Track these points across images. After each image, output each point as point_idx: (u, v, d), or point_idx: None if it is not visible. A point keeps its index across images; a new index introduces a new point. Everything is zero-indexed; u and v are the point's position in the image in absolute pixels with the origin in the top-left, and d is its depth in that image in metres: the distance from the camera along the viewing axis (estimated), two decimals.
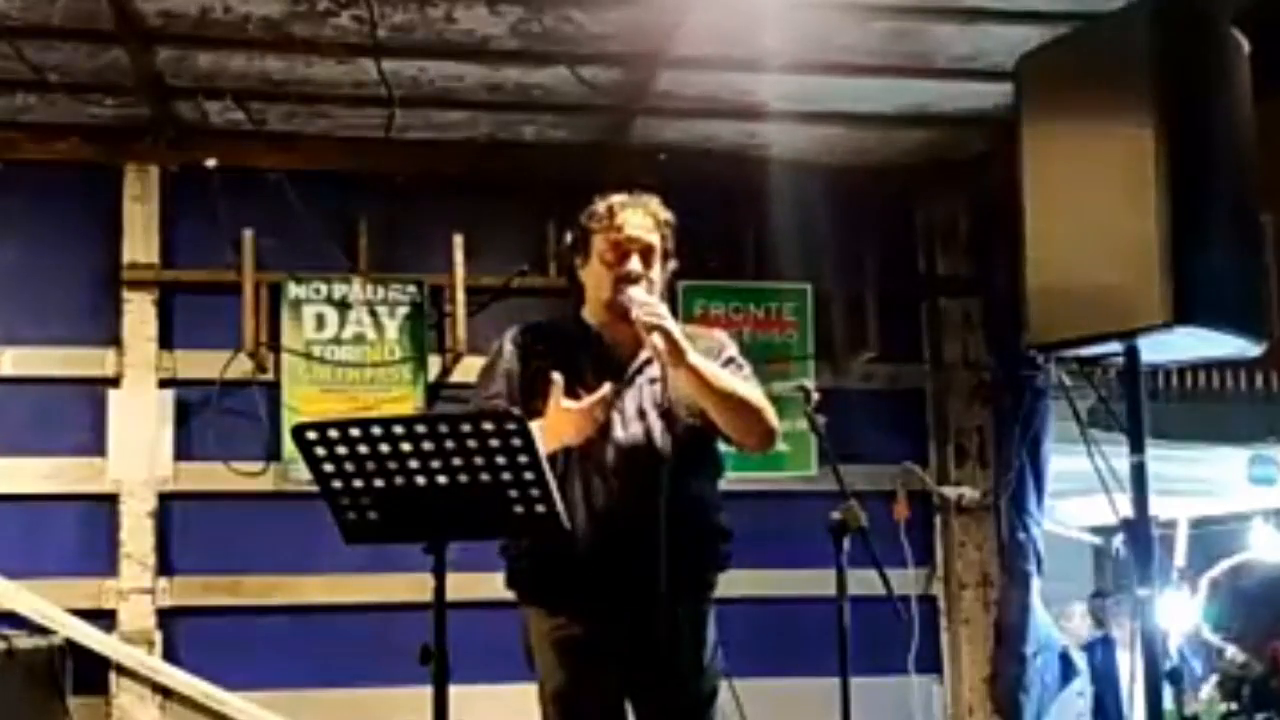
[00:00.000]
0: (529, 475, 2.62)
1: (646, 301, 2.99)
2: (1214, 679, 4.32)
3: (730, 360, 3.15)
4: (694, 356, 2.95)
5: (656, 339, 2.93)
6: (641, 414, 3.08)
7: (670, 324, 2.95)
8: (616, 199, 3.17)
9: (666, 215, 3.19)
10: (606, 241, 3.12)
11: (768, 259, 5.61)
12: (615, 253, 3.10)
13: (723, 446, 3.24)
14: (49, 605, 4.91)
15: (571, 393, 2.98)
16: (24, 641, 4.74)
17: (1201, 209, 3.02)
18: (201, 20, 4.38)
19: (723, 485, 3.23)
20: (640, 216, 3.14)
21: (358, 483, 2.63)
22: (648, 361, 3.10)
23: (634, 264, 3.08)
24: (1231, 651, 4.12)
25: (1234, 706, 4.10)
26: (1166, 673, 3.08)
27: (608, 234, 3.12)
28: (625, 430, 3.05)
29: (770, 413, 3.06)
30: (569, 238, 3.25)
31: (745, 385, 3.07)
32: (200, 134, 5.24)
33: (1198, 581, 4.32)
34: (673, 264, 3.22)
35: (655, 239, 3.14)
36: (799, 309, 5.70)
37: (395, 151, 5.39)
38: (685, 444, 3.07)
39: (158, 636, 5.08)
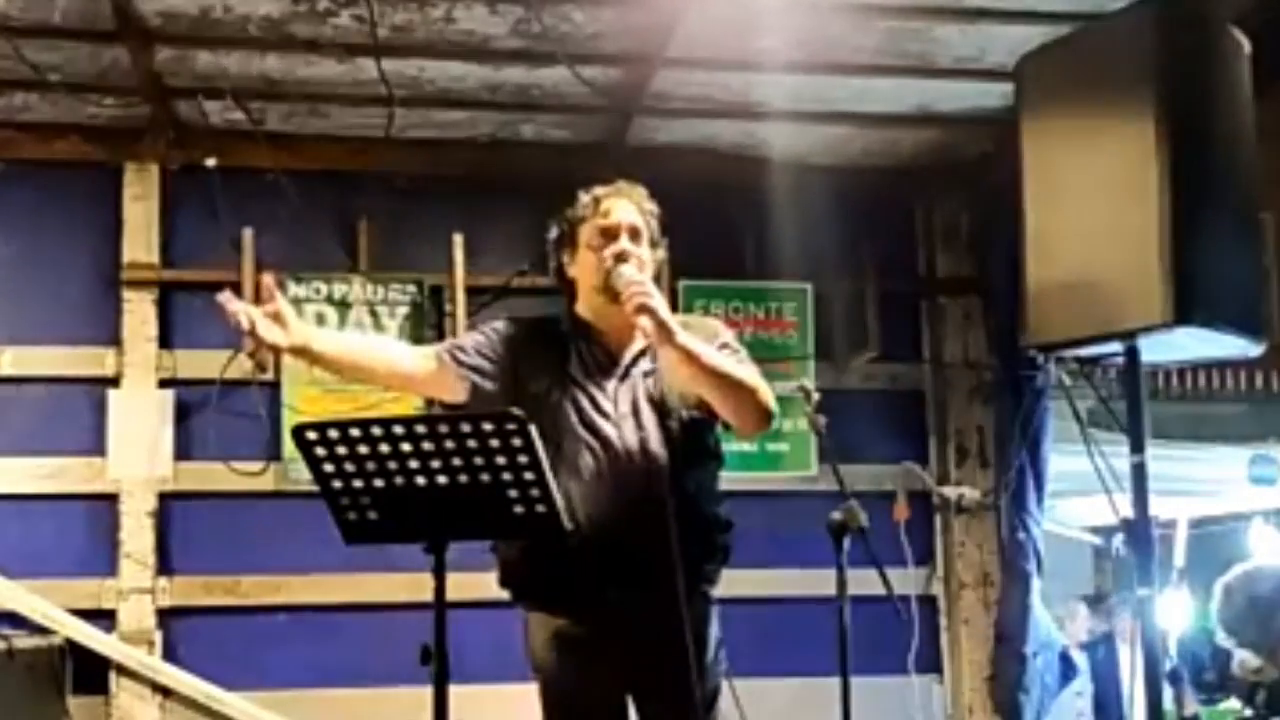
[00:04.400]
0: (529, 475, 2.61)
1: (635, 280, 2.96)
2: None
3: (725, 345, 3.12)
4: (682, 336, 2.92)
5: (644, 320, 2.92)
6: (635, 408, 3.06)
7: (657, 303, 2.92)
8: (600, 190, 3.17)
9: (650, 205, 3.19)
10: (594, 229, 3.12)
11: (768, 259, 5.61)
12: (603, 237, 3.10)
13: (722, 446, 3.23)
14: (49, 605, 4.92)
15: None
16: (24, 641, 4.76)
17: (1202, 209, 3.02)
18: (201, 20, 4.39)
19: (723, 485, 3.21)
20: (625, 203, 3.14)
21: (358, 483, 2.63)
22: (641, 354, 3.09)
23: (624, 242, 3.08)
24: (1245, 656, 4.11)
25: (1248, 712, 4.10)
26: (1166, 673, 3.08)
27: (595, 221, 3.12)
28: (619, 425, 3.04)
29: (766, 394, 3.02)
30: (554, 234, 3.23)
31: (739, 366, 3.05)
32: (200, 134, 5.24)
33: (1210, 586, 4.31)
34: (660, 253, 3.21)
35: (640, 223, 3.13)
36: (799, 309, 5.70)
37: (395, 151, 5.39)
38: (680, 436, 3.05)
39: (158, 636, 5.08)
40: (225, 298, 2.85)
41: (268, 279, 2.92)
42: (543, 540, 2.90)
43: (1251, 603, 4.06)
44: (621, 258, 3.04)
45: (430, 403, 5.27)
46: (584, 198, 3.18)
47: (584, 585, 2.99)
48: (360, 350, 3.14)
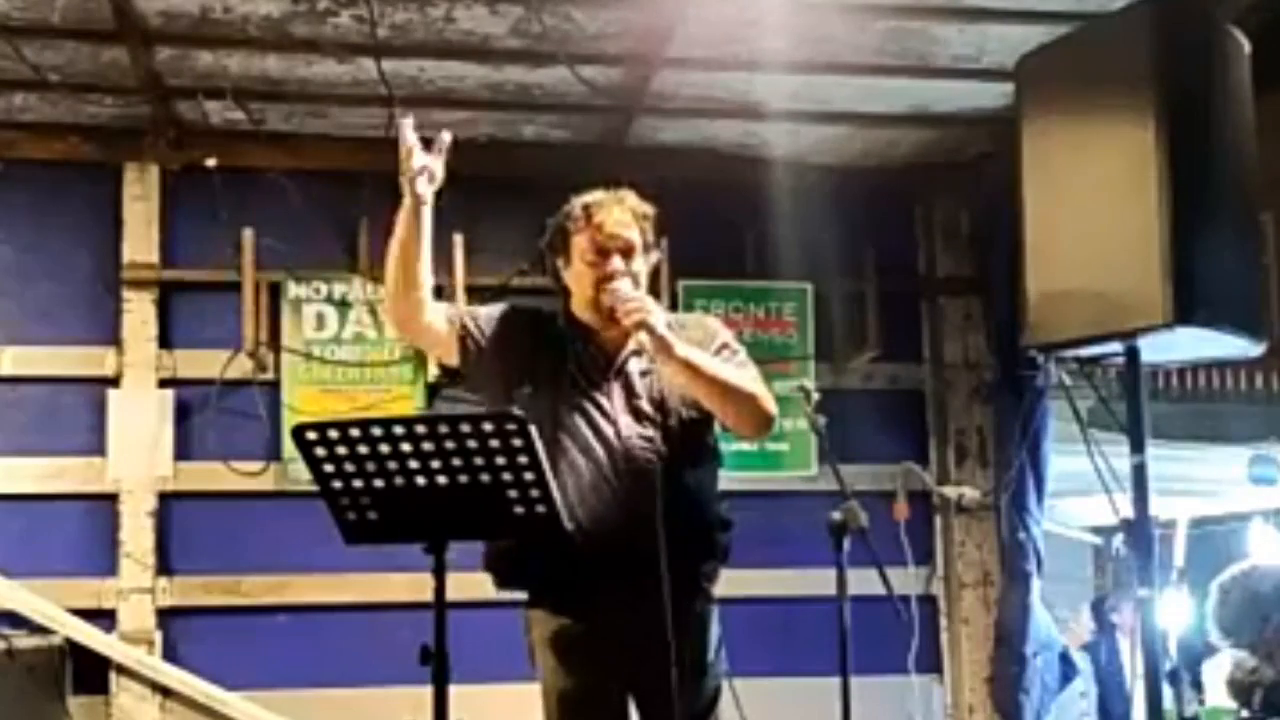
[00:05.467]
0: (529, 475, 2.61)
1: (631, 297, 2.96)
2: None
3: (724, 346, 3.12)
4: (682, 350, 2.93)
5: (643, 337, 2.92)
6: (633, 407, 3.06)
7: (655, 319, 2.93)
8: (592, 197, 3.13)
9: (645, 208, 3.16)
10: (587, 241, 3.09)
11: (768, 258, 5.60)
12: (596, 252, 3.08)
13: (722, 445, 3.23)
14: (49, 605, 4.91)
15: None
16: (24, 641, 4.76)
17: (1202, 209, 3.03)
18: (201, 20, 4.39)
19: (722, 484, 3.21)
20: (618, 213, 3.10)
21: (358, 483, 2.63)
22: (637, 352, 3.08)
23: (615, 263, 3.05)
24: (1242, 657, 4.11)
25: (1244, 713, 4.09)
26: (1167, 673, 3.08)
27: (587, 234, 3.10)
28: (616, 424, 3.04)
29: (766, 399, 3.03)
30: (546, 239, 3.22)
31: (739, 373, 3.05)
32: (200, 134, 5.24)
33: (1206, 586, 4.30)
34: (655, 255, 3.19)
35: (635, 234, 3.10)
36: (799, 309, 5.70)
37: (395, 151, 5.36)
38: (678, 436, 3.05)
39: (158, 636, 5.07)
40: (407, 123, 2.98)
41: (407, 123, 3.02)
42: (540, 540, 2.90)
43: (1249, 603, 4.06)
44: (612, 279, 3.03)
45: (431, 400, 5.30)
46: (575, 208, 3.14)
47: (583, 584, 2.99)
48: (424, 260, 3.04)
